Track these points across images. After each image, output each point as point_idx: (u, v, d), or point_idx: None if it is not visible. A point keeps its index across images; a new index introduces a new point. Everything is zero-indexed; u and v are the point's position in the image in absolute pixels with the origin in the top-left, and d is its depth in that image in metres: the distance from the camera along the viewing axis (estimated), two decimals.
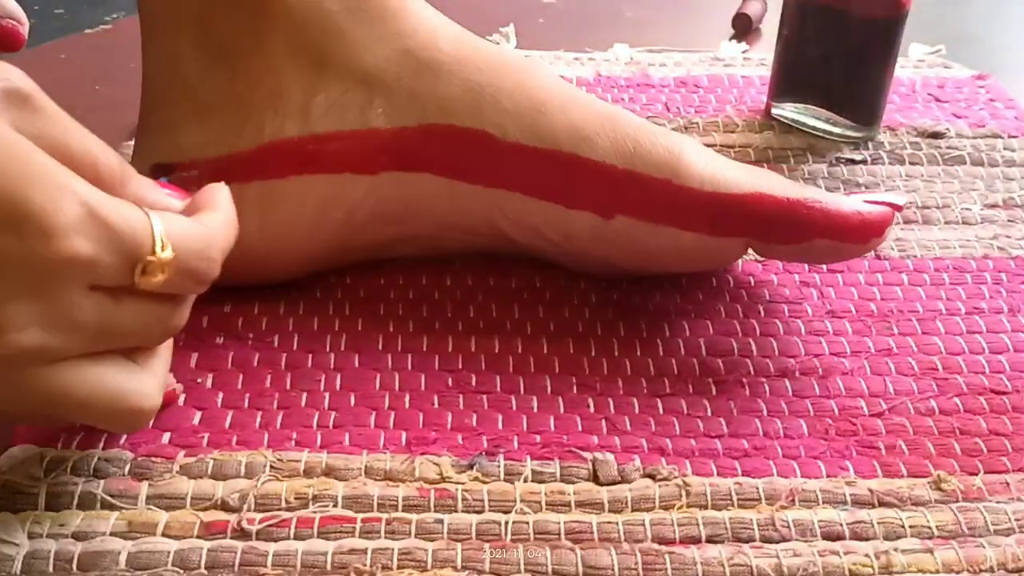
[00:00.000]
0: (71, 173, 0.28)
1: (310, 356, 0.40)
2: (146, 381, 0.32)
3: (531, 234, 0.43)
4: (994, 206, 0.50)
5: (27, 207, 0.26)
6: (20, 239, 0.27)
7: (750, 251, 0.44)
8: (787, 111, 0.56)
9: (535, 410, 0.38)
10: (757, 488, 0.35)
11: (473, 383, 0.39)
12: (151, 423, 0.35)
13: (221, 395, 0.38)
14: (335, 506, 0.34)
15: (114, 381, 0.31)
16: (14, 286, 0.27)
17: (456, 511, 0.34)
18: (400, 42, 0.42)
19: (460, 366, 0.40)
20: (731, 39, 0.67)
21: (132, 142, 0.44)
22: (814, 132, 0.55)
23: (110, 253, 0.28)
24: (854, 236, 0.40)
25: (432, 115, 0.42)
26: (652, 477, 0.36)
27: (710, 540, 0.34)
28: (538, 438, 0.37)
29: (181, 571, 0.32)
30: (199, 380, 0.39)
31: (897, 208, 0.42)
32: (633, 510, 0.35)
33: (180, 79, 0.41)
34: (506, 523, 0.34)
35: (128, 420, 0.31)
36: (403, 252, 0.45)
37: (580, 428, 0.38)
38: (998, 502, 0.35)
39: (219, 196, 0.34)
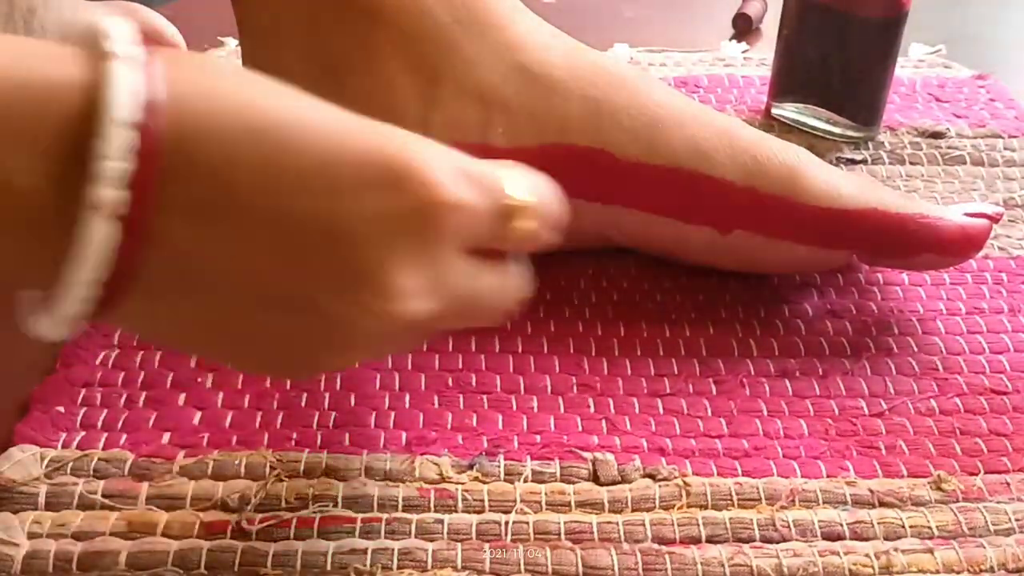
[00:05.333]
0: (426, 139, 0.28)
1: None
2: None
3: (641, 243, 0.44)
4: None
5: (406, 164, 0.26)
6: (404, 195, 0.26)
7: None
8: (787, 111, 0.56)
9: (535, 410, 0.38)
10: (757, 488, 0.35)
11: (473, 383, 0.39)
12: None
13: (221, 395, 0.38)
14: (335, 506, 0.34)
15: None
16: (403, 248, 0.26)
17: (456, 511, 0.34)
18: (512, 56, 0.41)
19: (460, 366, 0.40)
20: (731, 39, 0.67)
21: None
22: (814, 132, 0.55)
23: (484, 200, 0.28)
24: (956, 250, 0.41)
25: (551, 135, 0.41)
26: (652, 477, 0.36)
27: (710, 540, 0.34)
28: (538, 438, 0.37)
29: (181, 571, 0.32)
30: (199, 380, 0.39)
31: (994, 219, 0.42)
32: (633, 510, 0.34)
33: None
34: (506, 523, 0.34)
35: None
36: None
37: (580, 428, 0.38)
38: (998, 502, 0.35)
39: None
